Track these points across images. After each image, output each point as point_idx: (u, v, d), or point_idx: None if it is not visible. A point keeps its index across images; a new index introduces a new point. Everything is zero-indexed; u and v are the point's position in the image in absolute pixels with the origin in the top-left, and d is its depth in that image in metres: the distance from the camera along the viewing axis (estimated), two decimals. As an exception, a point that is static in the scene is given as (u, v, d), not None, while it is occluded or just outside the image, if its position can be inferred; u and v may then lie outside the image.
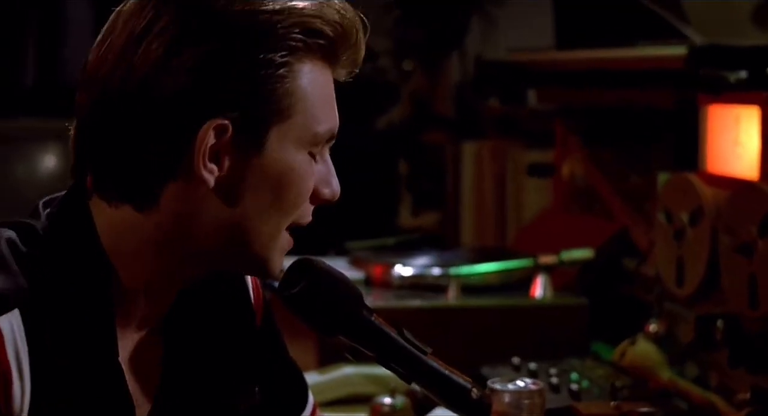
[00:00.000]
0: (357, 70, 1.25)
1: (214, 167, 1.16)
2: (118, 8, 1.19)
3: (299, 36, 1.16)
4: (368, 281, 2.28)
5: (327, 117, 1.21)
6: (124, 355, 1.21)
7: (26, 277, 1.15)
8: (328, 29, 1.18)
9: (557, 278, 2.29)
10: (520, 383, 1.32)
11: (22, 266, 1.16)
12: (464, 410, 1.29)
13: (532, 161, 2.82)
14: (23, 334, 1.13)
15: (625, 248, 2.39)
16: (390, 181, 3.44)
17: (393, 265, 2.24)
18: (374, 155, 3.46)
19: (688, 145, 2.06)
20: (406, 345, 1.28)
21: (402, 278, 2.23)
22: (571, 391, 1.79)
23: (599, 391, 1.81)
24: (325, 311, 1.24)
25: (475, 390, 1.31)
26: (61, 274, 1.17)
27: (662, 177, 2.06)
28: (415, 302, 2.15)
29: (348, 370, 1.94)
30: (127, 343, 1.22)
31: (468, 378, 1.31)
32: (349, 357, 1.32)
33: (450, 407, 1.31)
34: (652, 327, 1.99)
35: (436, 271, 2.23)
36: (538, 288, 2.20)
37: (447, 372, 1.30)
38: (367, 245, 2.53)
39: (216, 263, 1.22)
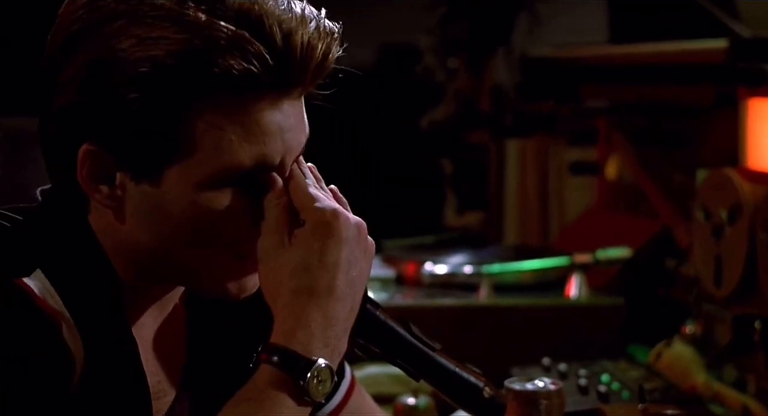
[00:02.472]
0: (324, 81, 1.13)
1: (103, 187, 1.10)
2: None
3: (201, 79, 1.05)
4: (400, 280, 2.24)
5: (247, 153, 1.08)
6: (145, 332, 1.18)
7: (38, 246, 1.12)
8: (256, 67, 1.05)
9: (597, 278, 2.23)
10: (539, 383, 1.28)
11: (30, 239, 1.12)
12: (476, 409, 1.25)
13: (575, 159, 2.76)
14: (53, 291, 1.08)
15: (667, 248, 2.33)
16: (434, 180, 3.40)
17: (424, 263, 2.20)
18: (418, 154, 3.42)
19: (729, 141, 2.00)
20: (414, 340, 1.24)
21: (433, 276, 2.19)
22: (599, 393, 1.74)
23: (629, 394, 1.75)
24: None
25: (487, 388, 1.26)
26: (63, 246, 1.13)
27: (701, 173, 2.00)
28: (446, 301, 2.10)
29: (373, 369, 1.90)
30: (147, 320, 1.19)
31: (481, 376, 1.26)
32: (359, 353, 1.28)
33: (461, 406, 1.26)
34: (689, 329, 1.93)
35: (468, 269, 2.19)
36: (573, 288, 2.14)
37: (457, 369, 1.25)
38: (403, 244, 2.49)
39: (181, 284, 1.18)
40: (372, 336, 1.22)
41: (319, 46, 1.09)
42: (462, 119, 3.39)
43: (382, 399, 1.89)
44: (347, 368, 1.40)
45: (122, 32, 1.05)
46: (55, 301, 1.08)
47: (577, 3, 3.14)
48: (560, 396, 1.27)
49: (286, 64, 1.08)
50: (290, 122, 1.11)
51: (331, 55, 1.11)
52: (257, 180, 1.12)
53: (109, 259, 1.14)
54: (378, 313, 1.22)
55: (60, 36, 1.09)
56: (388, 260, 2.33)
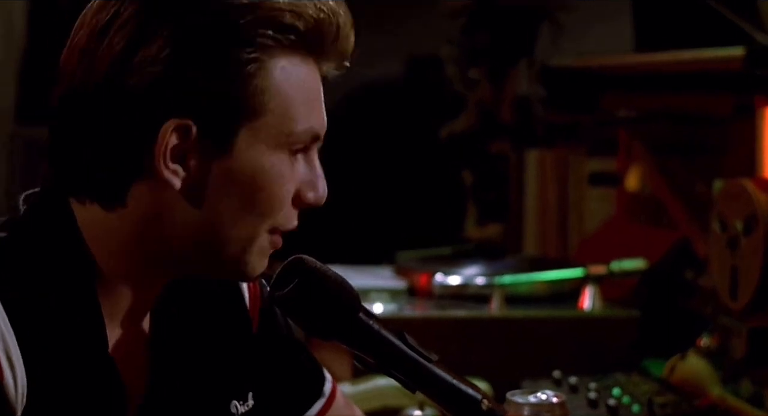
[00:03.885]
0: (346, 64, 1.19)
1: (178, 167, 1.11)
2: (90, 3, 1.15)
3: (269, 32, 1.11)
4: (412, 291, 2.22)
5: (306, 115, 1.15)
6: (114, 348, 1.16)
7: (5, 269, 1.11)
8: (300, 24, 1.12)
9: (615, 290, 2.20)
10: (541, 395, 1.25)
11: (1, 258, 1.12)
12: (474, 422, 1.22)
13: (594, 169, 2.73)
14: (8, 325, 1.09)
15: (687, 260, 2.29)
16: (455, 192, 3.37)
17: (436, 274, 2.17)
18: (439, 165, 3.40)
19: (749, 151, 1.97)
20: (409, 351, 1.20)
21: (444, 287, 2.16)
22: (609, 407, 1.70)
23: (640, 408, 1.72)
24: (317, 313, 1.18)
25: (485, 401, 1.23)
26: (42, 264, 1.13)
27: (717, 184, 1.96)
28: (455, 313, 2.07)
29: (380, 382, 1.88)
30: (115, 336, 1.17)
31: (479, 389, 1.23)
32: (357, 364, 1.25)
33: (458, 419, 1.23)
34: (704, 342, 1.89)
35: (480, 281, 2.16)
36: (587, 300, 2.11)
37: (455, 381, 1.22)
38: (417, 255, 2.46)
39: (192, 267, 1.18)
40: (365, 346, 1.19)
41: (348, 18, 1.16)
42: (483, 130, 3.37)
43: (389, 412, 1.87)
44: (327, 382, 1.38)
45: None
46: (9, 336, 1.08)
47: (600, 12, 3.10)
48: (563, 409, 1.24)
49: (324, 35, 1.14)
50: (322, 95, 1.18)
51: (353, 30, 1.17)
52: (305, 148, 1.16)
53: (95, 271, 1.14)
54: (372, 323, 1.19)
55: (131, 16, 1.10)
56: (401, 271, 2.30)
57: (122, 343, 1.17)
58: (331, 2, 1.14)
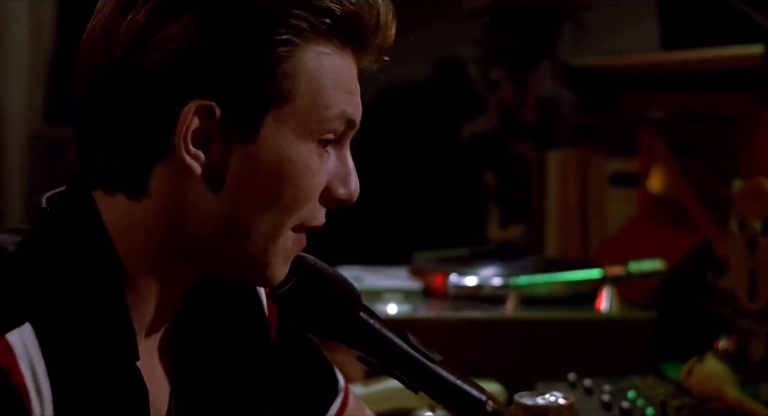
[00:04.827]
0: (385, 58, 1.14)
1: (199, 153, 1.06)
2: None
3: (304, 13, 1.05)
4: (427, 292, 2.19)
5: (337, 100, 1.09)
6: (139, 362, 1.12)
7: (33, 286, 1.05)
8: (338, 8, 1.07)
9: (635, 291, 2.17)
10: (549, 397, 1.23)
11: (27, 273, 1.06)
12: (478, 424, 1.19)
13: (615, 170, 2.69)
14: (38, 350, 1.03)
15: (708, 261, 2.26)
16: (477, 193, 3.35)
17: (451, 275, 2.15)
18: (461, 167, 3.37)
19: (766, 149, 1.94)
20: (411, 351, 1.19)
21: (459, 288, 2.13)
22: (622, 410, 1.67)
23: (654, 411, 1.68)
24: (317, 311, 1.16)
25: (490, 402, 1.21)
26: (71, 277, 1.06)
27: (736, 184, 1.93)
28: (470, 314, 2.05)
29: (392, 383, 1.84)
30: (140, 345, 1.12)
31: (484, 390, 1.21)
32: (362, 364, 1.23)
33: (462, 421, 1.21)
34: (722, 344, 1.86)
35: (496, 282, 2.13)
36: (604, 301, 2.08)
37: (458, 381, 1.20)
38: (435, 256, 2.43)
39: (216, 264, 1.11)
40: (366, 345, 1.18)
41: (390, 10, 1.12)
42: (505, 131, 3.34)
43: (401, 414, 1.85)
44: (341, 384, 1.35)
45: None
46: (38, 362, 1.03)
47: (621, 12, 3.08)
48: (571, 411, 1.22)
49: (362, 23, 1.10)
50: (359, 88, 1.13)
51: (395, 26, 1.13)
52: (342, 136, 1.11)
53: (124, 280, 1.09)
54: (373, 322, 1.18)
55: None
56: (416, 272, 2.28)
57: (146, 353, 1.13)
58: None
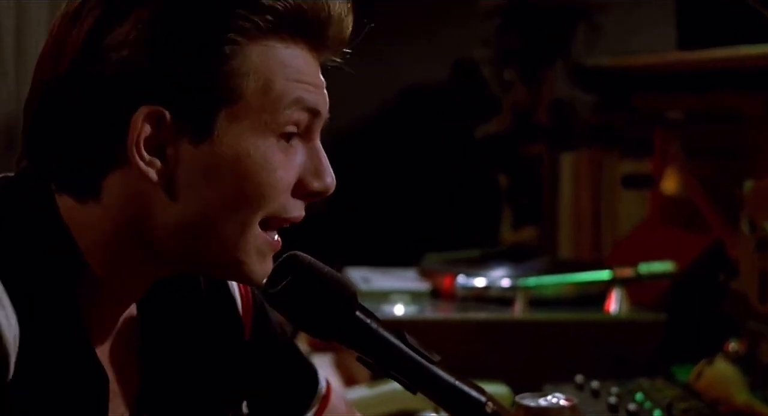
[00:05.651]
0: (345, 51, 1.13)
1: (155, 159, 1.05)
2: None
3: (245, 12, 1.05)
4: (436, 293, 2.18)
5: (290, 93, 1.07)
6: (101, 354, 1.10)
7: None
8: (280, 5, 1.06)
9: (647, 293, 2.15)
10: (552, 398, 1.22)
11: None
12: (478, 425, 1.18)
13: (628, 171, 2.67)
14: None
15: (720, 263, 2.24)
16: (490, 195, 3.33)
17: (458, 276, 2.13)
18: (474, 168, 3.35)
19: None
20: (409, 351, 1.17)
21: (466, 289, 2.11)
22: (629, 412, 1.65)
23: (661, 413, 1.66)
24: (312, 311, 1.14)
25: (490, 403, 1.19)
26: (23, 251, 1.05)
27: (748, 184, 1.91)
28: (478, 315, 2.03)
29: (397, 385, 1.83)
30: (102, 341, 1.12)
31: (483, 391, 1.20)
32: (363, 365, 1.22)
33: (461, 421, 1.19)
34: (732, 347, 1.84)
35: (505, 283, 2.11)
36: (613, 303, 2.06)
37: (457, 382, 1.18)
38: (445, 257, 2.42)
39: (186, 265, 1.11)
40: (363, 345, 1.16)
41: (342, 4, 1.11)
42: (518, 132, 3.32)
43: (406, 416, 1.84)
44: (321, 385, 1.34)
45: None
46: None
47: (636, 12, 3.06)
48: (574, 412, 1.21)
49: (319, 13, 1.08)
50: (322, 80, 1.11)
51: (350, 19, 1.12)
52: (307, 127, 1.10)
53: (78, 253, 1.07)
54: (369, 322, 1.16)
55: (99, 2, 1.06)
56: (425, 273, 2.27)
57: (111, 350, 1.12)
58: None
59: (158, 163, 1.06)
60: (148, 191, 1.06)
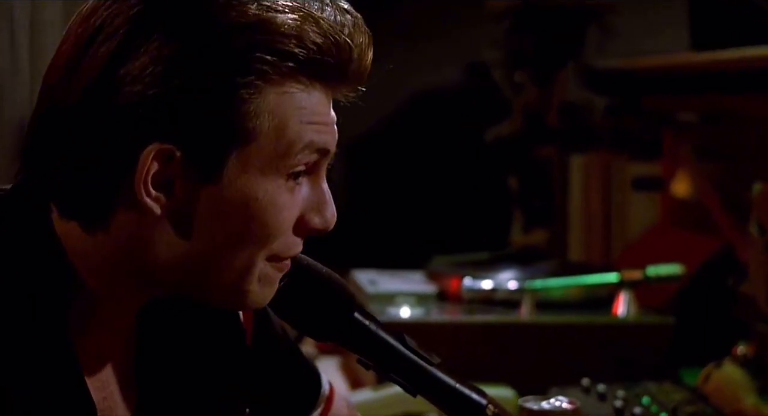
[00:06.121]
0: (362, 88, 1.11)
1: (160, 195, 1.03)
2: (79, 9, 1.07)
3: (266, 57, 1.02)
4: (443, 296, 2.16)
5: (304, 136, 1.06)
6: (92, 361, 1.09)
7: None
8: (301, 53, 1.04)
9: (656, 296, 2.13)
10: (555, 401, 1.21)
11: None
12: (479, 428, 1.17)
13: (638, 173, 2.66)
14: None
15: (730, 266, 2.22)
16: (501, 198, 3.32)
17: (465, 278, 2.12)
18: (485, 171, 3.34)
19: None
20: (408, 353, 1.16)
21: (473, 291, 2.10)
22: (634, 416, 1.64)
23: (667, 417, 1.65)
24: (310, 312, 1.14)
25: (491, 406, 1.19)
26: (14, 273, 1.04)
27: (756, 187, 1.90)
28: (484, 318, 2.02)
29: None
30: (98, 347, 1.10)
31: (484, 393, 1.19)
32: (362, 367, 1.21)
33: (461, 425, 1.18)
34: (740, 350, 1.83)
35: (512, 285, 2.10)
36: (621, 305, 2.04)
37: (458, 385, 1.17)
38: (453, 260, 2.40)
39: (187, 292, 1.10)
40: (361, 347, 1.15)
41: (363, 42, 1.08)
42: (529, 135, 3.31)
43: (410, 418, 1.83)
44: (324, 388, 1.33)
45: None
46: None
47: (648, 13, 3.04)
48: (576, 415, 1.20)
49: (341, 56, 1.06)
50: (333, 117, 1.10)
51: (370, 55, 1.09)
52: (315, 165, 1.09)
53: (71, 271, 1.06)
54: (368, 323, 1.15)
55: (119, 27, 1.03)
56: (432, 275, 2.25)
57: (107, 364, 1.11)
58: (344, 20, 1.06)
59: (164, 199, 1.04)
60: (152, 223, 1.05)
